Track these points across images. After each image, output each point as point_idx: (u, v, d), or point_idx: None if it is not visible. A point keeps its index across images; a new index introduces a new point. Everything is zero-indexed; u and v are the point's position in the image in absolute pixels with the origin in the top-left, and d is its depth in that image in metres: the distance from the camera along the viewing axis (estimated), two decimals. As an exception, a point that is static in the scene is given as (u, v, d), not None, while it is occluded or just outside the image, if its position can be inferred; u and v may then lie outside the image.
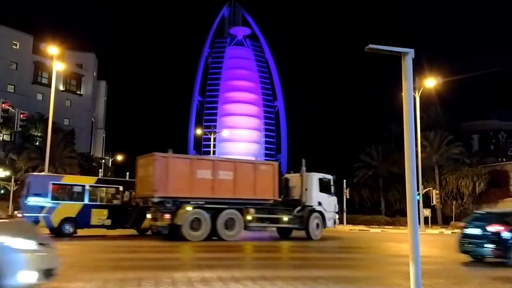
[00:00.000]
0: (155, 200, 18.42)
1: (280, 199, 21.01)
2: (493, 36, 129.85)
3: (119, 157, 73.12)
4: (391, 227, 40.28)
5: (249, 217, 19.64)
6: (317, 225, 21.58)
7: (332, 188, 23.26)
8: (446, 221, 43.30)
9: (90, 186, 21.28)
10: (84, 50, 72.84)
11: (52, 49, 32.45)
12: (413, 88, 6.41)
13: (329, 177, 23.29)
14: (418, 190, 34.13)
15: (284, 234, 22.44)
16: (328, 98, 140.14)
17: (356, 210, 53.42)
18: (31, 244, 5.96)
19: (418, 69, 34.67)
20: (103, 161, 65.84)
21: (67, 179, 22.80)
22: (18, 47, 61.96)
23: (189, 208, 18.62)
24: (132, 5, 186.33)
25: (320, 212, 21.79)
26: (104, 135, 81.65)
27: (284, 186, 22.21)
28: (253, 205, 20.04)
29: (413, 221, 5.71)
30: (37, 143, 52.77)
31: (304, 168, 21.90)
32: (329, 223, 22.51)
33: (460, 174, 46.33)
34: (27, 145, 51.27)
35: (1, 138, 54.93)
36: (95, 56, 76.61)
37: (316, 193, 21.96)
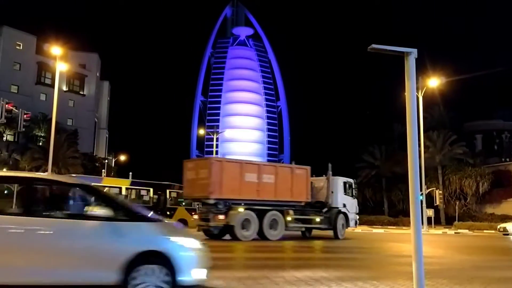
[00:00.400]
0: (211, 201, 19.43)
1: (309, 201, 22.63)
2: (496, 36, 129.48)
3: (122, 157, 73.26)
4: (394, 227, 40.24)
5: (289, 218, 21.06)
6: (342, 225, 23.48)
7: (354, 191, 25.29)
8: (449, 221, 43.19)
9: (126, 188, 21.95)
10: (87, 50, 73.00)
11: (56, 50, 32.55)
12: (416, 88, 6.39)
13: (351, 181, 25.31)
14: (421, 190, 34.06)
15: (306, 233, 24.20)
16: (330, 98, 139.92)
17: (359, 210, 53.34)
18: (198, 243, 6.47)
19: (421, 69, 34.65)
20: (106, 161, 65.95)
21: (106, 181, 23.59)
22: (21, 48, 62.14)
23: (240, 209, 19.74)
24: (135, 6, 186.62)
25: (345, 213, 23.66)
26: (107, 135, 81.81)
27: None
28: (289, 207, 21.46)
29: (416, 221, 5.70)
30: (40, 143, 52.93)
31: (330, 172, 23.73)
32: (352, 223, 24.49)
33: (463, 174, 46.19)
34: (30, 145, 51.43)
35: (5, 138, 55.10)
36: (98, 57, 76.75)
37: (341, 195, 23.84)
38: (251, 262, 12.91)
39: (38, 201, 6.56)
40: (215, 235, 20.13)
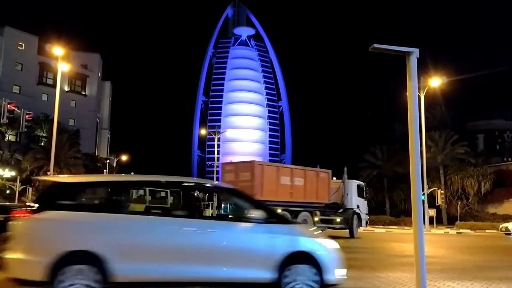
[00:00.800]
0: None
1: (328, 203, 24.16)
2: (498, 35, 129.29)
3: (124, 157, 73.35)
4: (396, 227, 40.20)
5: (316, 218, 22.36)
6: (356, 225, 25.40)
7: (366, 193, 27.56)
8: (451, 221, 43.14)
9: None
10: (89, 50, 73.08)
11: (57, 50, 32.59)
12: (418, 87, 6.39)
13: (363, 184, 27.87)
14: (423, 190, 34.04)
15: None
16: (332, 97, 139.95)
17: (362, 210, 53.40)
18: (336, 244, 6.85)
19: (423, 69, 34.60)
20: (108, 161, 66.05)
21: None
22: (23, 48, 62.23)
23: (279, 210, 20.01)
24: (136, 6, 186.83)
25: (358, 214, 25.53)
26: (108, 136, 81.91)
27: None
28: (315, 208, 22.90)
29: (418, 221, 5.70)
30: (42, 144, 53.02)
31: (345, 176, 25.73)
32: (363, 223, 26.73)
33: (465, 174, 46.11)
34: (32, 146, 51.52)
35: (7, 138, 55.20)
36: (100, 57, 76.84)
37: (356, 197, 25.76)
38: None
39: (196, 203, 7.31)
40: None
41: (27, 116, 27.35)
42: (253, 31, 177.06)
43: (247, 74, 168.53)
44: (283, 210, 20.55)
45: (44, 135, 54.84)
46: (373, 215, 47.52)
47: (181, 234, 6.13)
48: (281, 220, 7.01)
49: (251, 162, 21.92)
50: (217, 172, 69.80)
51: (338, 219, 23.99)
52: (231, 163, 22.71)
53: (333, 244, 6.80)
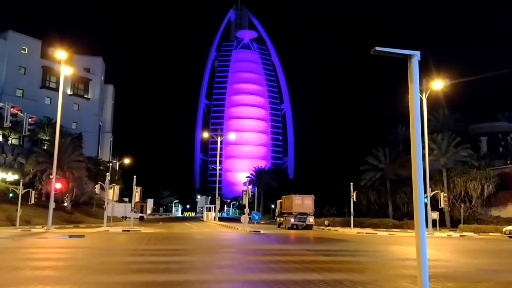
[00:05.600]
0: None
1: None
2: (501, 38, 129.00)
3: (127, 161, 73.41)
4: (399, 230, 40.04)
5: (311, 219, 40.80)
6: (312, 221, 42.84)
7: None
8: (454, 224, 42.95)
9: None
10: (91, 54, 73.34)
11: (60, 54, 32.67)
12: (420, 90, 6.38)
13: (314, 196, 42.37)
14: (425, 193, 33.88)
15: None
16: (335, 100, 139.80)
17: (364, 213, 53.15)
18: None
19: (426, 71, 34.50)
20: (111, 164, 66.12)
21: None
22: (26, 52, 62.49)
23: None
24: (139, 10, 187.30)
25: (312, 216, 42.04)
26: (111, 139, 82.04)
27: None
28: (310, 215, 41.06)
29: (420, 224, 5.67)
30: (45, 147, 53.15)
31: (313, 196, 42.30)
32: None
33: (468, 176, 45.90)
34: (35, 149, 51.65)
35: (10, 142, 55.37)
36: (103, 60, 77.08)
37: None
38: (260, 265, 12.88)
39: None
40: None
41: (30, 119, 27.38)
42: (256, 34, 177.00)
43: (249, 77, 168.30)
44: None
45: (47, 138, 54.99)
46: (375, 218, 47.44)
47: None
48: None
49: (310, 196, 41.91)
50: (220, 175, 69.80)
51: (311, 219, 40.65)
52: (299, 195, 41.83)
53: None
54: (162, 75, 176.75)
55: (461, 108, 59.20)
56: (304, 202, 40.05)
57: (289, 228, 39.62)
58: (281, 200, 46.31)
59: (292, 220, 39.51)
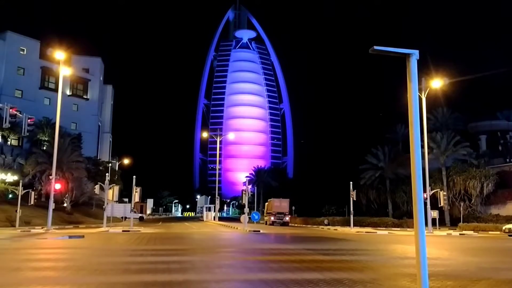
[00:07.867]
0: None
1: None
2: (500, 36, 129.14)
3: (126, 161, 73.38)
4: (399, 229, 40.06)
5: (287, 218, 51.98)
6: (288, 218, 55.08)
7: None
8: (454, 223, 42.99)
9: None
10: (90, 54, 73.31)
11: (59, 54, 32.65)
12: (419, 89, 6.38)
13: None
14: (425, 192, 33.90)
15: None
16: (334, 100, 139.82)
17: (363, 212, 53.20)
18: None
19: (425, 70, 34.52)
20: (110, 165, 66.08)
21: None
22: (25, 53, 62.45)
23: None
24: (138, 10, 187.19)
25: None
26: (110, 139, 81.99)
27: None
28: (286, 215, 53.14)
29: (420, 223, 5.67)
30: (44, 148, 53.12)
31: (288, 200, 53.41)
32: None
33: (467, 175, 45.93)
34: (34, 150, 51.62)
35: (9, 142, 55.33)
36: (101, 61, 77.03)
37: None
38: (258, 265, 12.88)
39: None
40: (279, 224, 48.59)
41: (29, 120, 27.35)
42: (254, 33, 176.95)
43: (248, 77, 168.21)
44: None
45: (46, 139, 54.94)
46: (375, 217, 47.46)
47: None
48: None
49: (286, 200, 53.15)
50: (219, 175, 69.71)
51: (287, 218, 50.52)
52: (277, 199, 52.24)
53: None
54: (161, 75, 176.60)
55: (460, 107, 59.26)
56: (281, 204, 52.20)
57: (270, 224, 49.98)
58: (267, 203, 58.80)
59: (272, 218, 50.89)
